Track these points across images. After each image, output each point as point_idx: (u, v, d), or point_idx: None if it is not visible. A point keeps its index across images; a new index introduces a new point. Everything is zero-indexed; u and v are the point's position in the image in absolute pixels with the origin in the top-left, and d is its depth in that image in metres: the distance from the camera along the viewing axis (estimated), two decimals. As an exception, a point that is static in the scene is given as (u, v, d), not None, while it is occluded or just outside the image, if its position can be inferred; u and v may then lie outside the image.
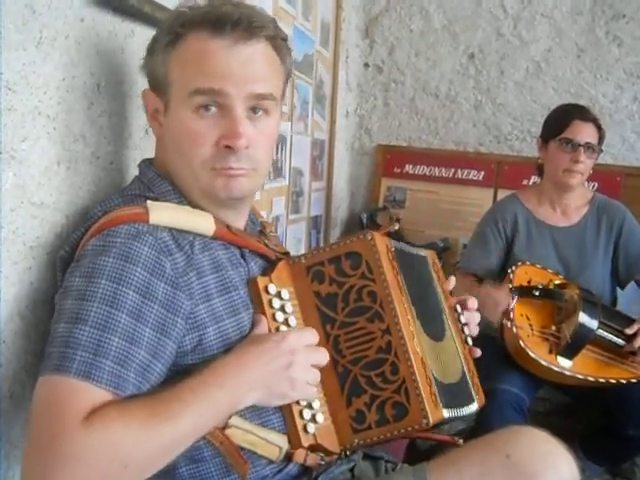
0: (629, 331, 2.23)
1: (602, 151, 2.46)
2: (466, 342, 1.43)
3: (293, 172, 2.57)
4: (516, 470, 1.12)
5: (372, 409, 1.16)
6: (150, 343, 0.96)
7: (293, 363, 1.05)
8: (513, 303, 2.20)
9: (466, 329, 1.43)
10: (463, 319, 1.44)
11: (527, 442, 1.17)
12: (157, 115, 1.12)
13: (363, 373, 1.16)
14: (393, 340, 1.16)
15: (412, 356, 1.16)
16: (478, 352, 1.43)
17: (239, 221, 1.20)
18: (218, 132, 1.06)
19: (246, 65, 1.07)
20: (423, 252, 1.45)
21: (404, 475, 1.14)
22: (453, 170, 3.23)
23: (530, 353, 2.14)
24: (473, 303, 1.47)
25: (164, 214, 1.05)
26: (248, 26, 1.07)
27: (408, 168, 3.29)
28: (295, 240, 2.71)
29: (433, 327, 1.32)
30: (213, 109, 1.06)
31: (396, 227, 1.37)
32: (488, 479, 1.12)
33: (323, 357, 1.11)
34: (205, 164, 1.07)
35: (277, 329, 1.12)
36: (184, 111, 1.06)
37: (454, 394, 1.28)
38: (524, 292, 2.26)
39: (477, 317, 1.47)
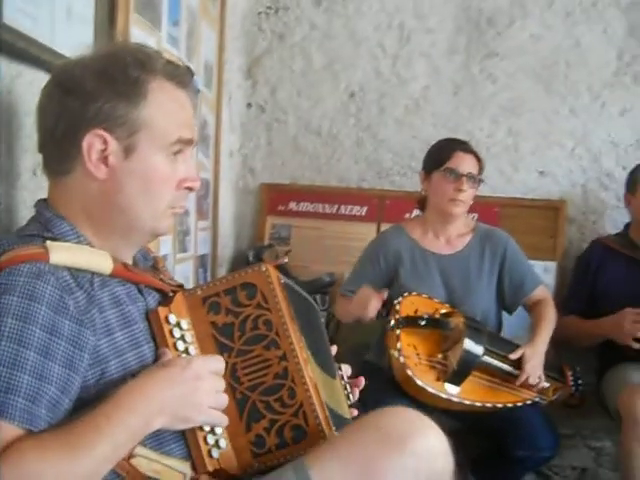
0: (513, 356, 2.44)
1: (482, 181, 2.70)
2: (348, 399, 1.56)
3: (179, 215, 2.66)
4: (386, 436, 1.23)
5: (271, 433, 1.26)
6: (59, 379, 1.04)
7: (198, 388, 1.13)
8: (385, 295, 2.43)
9: (349, 387, 1.58)
10: (346, 377, 1.59)
11: (398, 414, 1.31)
12: (106, 156, 1.20)
13: (261, 399, 1.27)
14: (289, 366, 1.28)
15: (308, 381, 1.29)
16: (355, 413, 1.55)
17: (130, 255, 1.32)
18: (179, 176, 1.22)
19: (194, 115, 1.28)
20: (309, 298, 1.57)
21: (284, 471, 1.21)
22: (337, 206, 3.41)
23: (418, 381, 2.31)
24: (360, 383, 1.62)
25: (64, 254, 1.14)
26: (193, 78, 1.28)
27: (292, 205, 3.44)
28: (183, 279, 2.79)
29: (324, 361, 1.46)
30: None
31: (286, 260, 1.52)
32: (362, 451, 1.22)
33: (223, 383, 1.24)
34: (169, 205, 1.23)
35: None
36: (158, 155, 1.19)
37: (345, 423, 1.40)
38: (411, 322, 2.45)
39: (359, 382, 1.62)
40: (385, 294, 2.49)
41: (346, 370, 1.61)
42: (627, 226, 2.99)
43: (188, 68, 1.32)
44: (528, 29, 3.31)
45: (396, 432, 1.25)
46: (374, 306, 2.45)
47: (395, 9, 3.38)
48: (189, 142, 1.25)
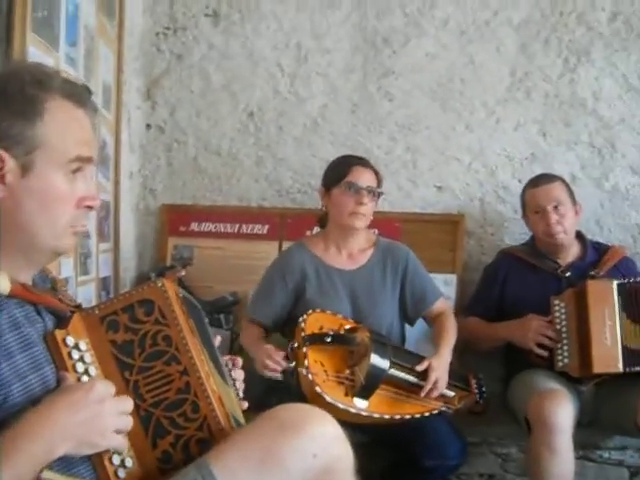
0: (419, 368, 2.53)
1: (382, 194, 2.80)
2: (238, 395, 1.63)
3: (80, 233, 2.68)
4: (283, 424, 1.29)
5: (178, 449, 1.29)
6: None
7: (102, 412, 1.15)
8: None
9: (237, 384, 1.65)
10: (233, 374, 1.65)
11: (292, 406, 1.37)
12: (3, 174, 1.23)
13: (165, 415, 1.30)
14: (191, 380, 1.32)
15: (211, 394, 1.33)
16: (245, 405, 1.62)
17: (30, 275, 1.33)
18: (78, 194, 1.24)
19: (95, 133, 1.31)
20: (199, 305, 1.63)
21: (187, 472, 1.23)
22: (238, 225, 3.47)
23: (327, 398, 2.35)
24: (239, 362, 1.70)
25: None
26: (91, 97, 1.31)
27: (194, 226, 3.48)
28: (86, 302, 2.78)
29: (220, 369, 1.51)
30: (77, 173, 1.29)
31: (183, 273, 1.56)
32: (261, 440, 1.27)
33: (131, 404, 1.26)
34: (68, 223, 1.24)
35: (78, 380, 1.21)
36: (56, 174, 1.22)
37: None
38: (317, 339, 2.51)
39: (242, 374, 1.70)
40: (283, 357, 2.54)
41: (237, 363, 1.68)
42: (533, 237, 3.12)
43: (86, 87, 1.35)
44: (423, 48, 3.44)
45: (292, 420, 1.31)
46: (277, 368, 2.51)
47: (292, 29, 3.48)
48: (88, 160, 1.28)
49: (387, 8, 3.46)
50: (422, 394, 2.51)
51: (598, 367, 2.56)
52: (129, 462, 1.22)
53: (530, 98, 3.30)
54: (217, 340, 1.65)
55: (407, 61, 3.40)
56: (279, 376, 2.52)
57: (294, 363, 2.48)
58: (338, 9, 3.48)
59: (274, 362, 2.51)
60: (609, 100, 3.32)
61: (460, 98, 3.31)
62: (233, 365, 1.66)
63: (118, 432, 1.17)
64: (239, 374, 1.68)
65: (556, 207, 2.82)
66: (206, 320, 1.62)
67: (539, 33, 3.38)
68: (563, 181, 2.90)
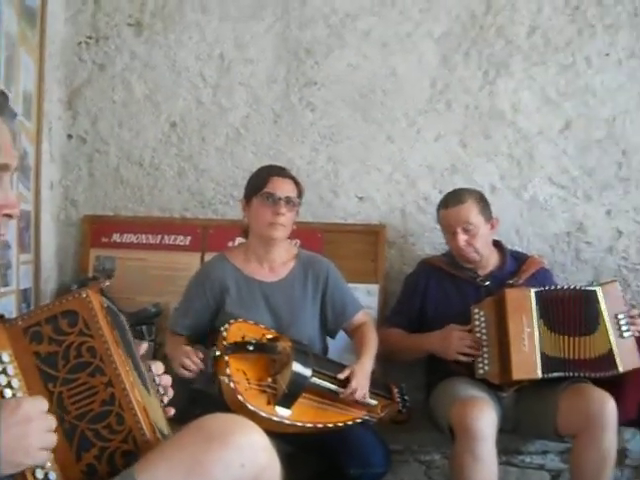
0: (341, 376, 2.62)
1: (300, 204, 2.90)
2: (162, 402, 1.66)
3: (-1, 244, 2.72)
4: (209, 434, 1.31)
5: (102, 461, 1.31)
6: None
7: (28, 432, 1.15)
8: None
9: (161, 389, 1.68)
10: (157, 380, 1.68)
11: (219, 416, 1.41)
12: None
13: (90, 427, 1.32)
14: (116, 392, 1.35)
15: (135, 405, 1.37)
16: (172, 412, 1.66)
17: None
18: None
19: (13, 140, 1.31)
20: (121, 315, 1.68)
21: None
22: (160, 236, 3.53)
23: (249, 406, 2.42)
24: (159, 368, 1.72)
25: None
26: (7, 102, 1.32)
27: (116, 237, 3.55)
28: (6, 314, 2.82)
29: (144, 379, 1.54)
30: None
31: (107, 283, 1.61)
32: (187, 450, 1.31)
33: (54, 421, 1.27)
34: None
35: (1, 393, 1.22)
36: None
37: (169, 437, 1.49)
38: (239, 348, 2.58)
39: (169, 379, 1.74)
40: (200, 354, 2.63)
41: (157, 368, 1.70)
42: None
43: (2, 92, 1.36)
44: (346, 59, 3.56)
45: (218, 431, 1.35)
46: (193, 367, 2.59)
47: (215, 39, 3.58)
48: (5, 167, 1.29)
49: (310, 19, 3.58)
50: (342, 396, 2.59)
51: (517, 373, 2.66)
52: (53, 476, 1.23)
53: (450, 109, 3.43)
54: (143, 348, 1.68)
55: (329, 72, 3.47)
56: (193, 375, 2.58)
57: (213, 369, 2.55)
58: (261, 20, 3.58)
59: (191, 362, 2.59)
60: (528, 112, 3.46)
61: (381, 109, 3.43)
62: (159, 374, 1.69)
63: (43, 449, 1.18)
64: (166, 379, 1.71)
65: (465, 228, 2.91)
66: (126, 325, 1.65)
67: (460, 46, 3.51)
68: (475, 199, 2.96)
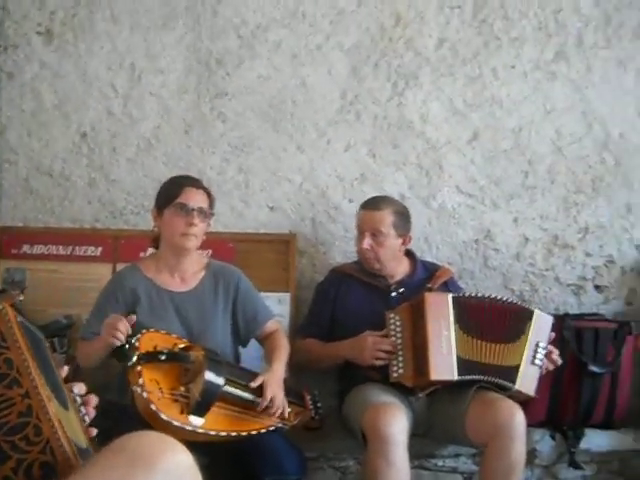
0: (254, 384, 2.67)
1: (213, 215, 2.97)
2: (84, 421, 1.69)
3: None
4: (135, 457, 1.29)
5: (20, 473, 1.31)
6: None
7: None
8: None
9: (82, 409, 1.70)
10: (79, 400, 1.71)
11: (143, 436, 1.42)
12: None
13: (6, 439, 1.33)
14: (33, 403, 1.37)
15: (53, 416, 1.39)
16: (94, 432, 1.69)
17: None
18: None
19: None
20: (39, 333, 1.70)
21: None
22: (71, 247, 3.57)
23: (163, 416, 2.45)
24: (81, 389, 1.74)
25: None
26: None
27: (26, 248, 3.58)
28: None
29: (59, 394, 1.56)
30: None
31: (21, 297, 1.63)
32: (113, 475, 1.30)
33: None
34: None
35: None
36: None
37: (87, 453, 1.51)
38: (151, 358, 2.61)
39: (93, 399, 1.76)
40: (134, 317, 2.65)
41: (80, 388, 1.73)
42: None
43: None
44: (256, 70, 3.66)
45: (144, 453, 1.35)
46: (123, 329, 2.59)
47: (126, 49, 3.65)
48: None
49: (221, 30, 3.67)
50: (259, 409, 2.64)
51: (435, 374, 2.75)
52: None
53: (360, 120, 3.54)
54: (64, 371, 1.70)
55: (240, 83, 3.57)
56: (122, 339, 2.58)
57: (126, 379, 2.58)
58: (172, 30, 3.66)
59: (122, 325, 2.59)
60: (436, 122, 3.59)
61: (292, 119, 3.52)
62: (86, 406, 1.70)
63: None
64: (90, 400, 1.73)
65: (374, 234, 3.02)
66: (46, 344, 1.68)
67: (369, 57, 3.63)
68: (393, 211, 3.06)
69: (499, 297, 3.07)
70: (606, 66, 3.80)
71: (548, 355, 2.99)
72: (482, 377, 2.91)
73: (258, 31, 3.52)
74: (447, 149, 3.58)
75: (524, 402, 2.94)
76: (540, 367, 2.96)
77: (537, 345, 2.90)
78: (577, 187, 3.77)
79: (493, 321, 2.89)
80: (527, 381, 2.88)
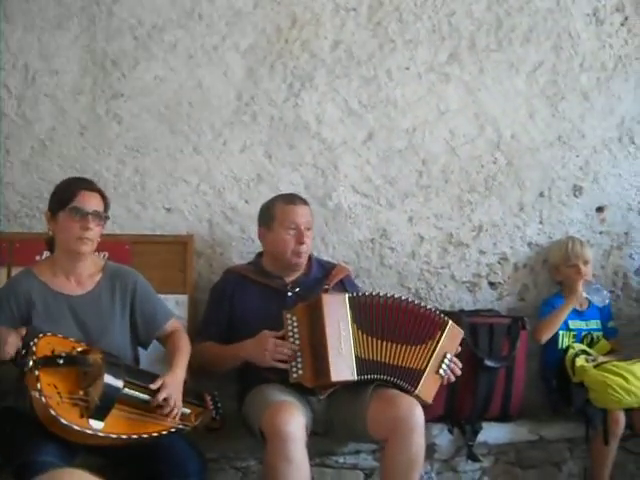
0: (154, 386, 2.73)
1: (108, 218, 3.04)
2: None
3: None
4: None
5: None
6: None
7: None
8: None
9: None
10: None
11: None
12: None
13: None
14: None
15: None
16: None
17: None
18: None
19: None
20: None
21: None
22: (-36, 252, 3.60)
23: (62, 420, 2.40)
24: None
25: None
26: None
27: None
28: None
29: None
30: None
31: None
32: None
33: None
34: None
35: None
36: None
37: None
38: (49, 362, 2.65)
39: None
40: (23, 331, 2.72)
41: None
42: (260, 255, 3.37)
43: None
44: (152, 71, 3.75)
45: None
46: (12, 343, 2.65)
47: (19, 50, 3.71)
48: None
49: (117, 31, 3.76)
50: (154, 404, 2.63)
51: (335, 375, 2.82)
52: None
53: (256, 121, 3.66)
54: None
55: (136, 84, 3.60)
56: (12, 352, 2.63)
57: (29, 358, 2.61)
58: (67, 30, 3.73)
59: (16, 334, 2.67)
60: (331, 123, 3.75)
61: (188, 121, 3.61)
62: None
63: None
64: None
65: (308, 229, 3.19)
66: None
67: (265, 59, 3.77)
68: None
69: (402, 297, 3.09)
70: (498, 69, 4.03)
71: (452, 368, 3.12)
72: (383, 377, 3.03)
73: (154, 32, 3.59)
74: (342, 149, 3.74)
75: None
76: (442, 377, 3.00)
77: (444, 356, 3.01)
78: (470, 186, 3.99)
79: (397, 321, 3.00)
80: (428, 388, 2.98)
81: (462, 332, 3.14)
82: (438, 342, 3.01)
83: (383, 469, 2.94)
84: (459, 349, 3.19)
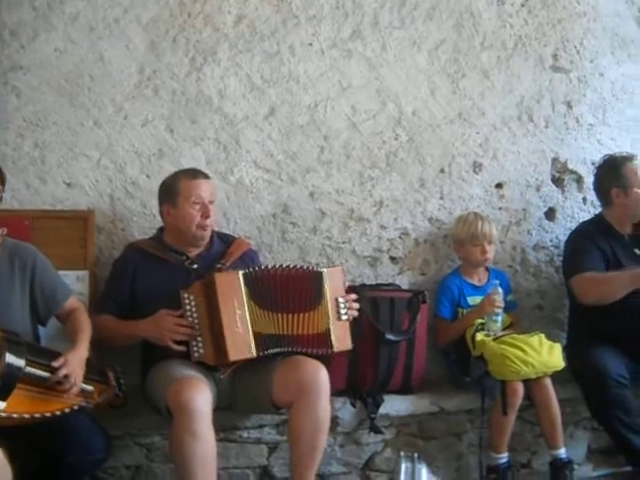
0: (56, 364, 2.73)
1: (4, 191, 3.21)
2: None
3: None
4: None
5: None
6: None
7: None
8: None
9: None
10: None
11: None
12: None
13: None
14: None
15: None
16: None
17: None
18: None
19: None
20: None
21: None
22: None
23: None
24: None
25: None
26: None
27: None
28: None
29: None
30: None
31: None
32: None
33: None
34: None
35: None
36: None
37: None
38: None
39: None
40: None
41: None
42: (161, 230, 3.52)
43: None
44: (52, 43, 3.90)
45: None
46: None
47: None
48: None
49: (15, 1, 3.89)
50: (51, 382, 2.71)
51: (233, 355, 3.01)
52: None
53: (158, 95, 3.82)
54: None
55: (35, 56, 3.65)
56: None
57: None
58: (-38, -1, 3.85)
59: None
60: (234, 98, 3.96)
61: (89, 94, 3.73)
62: None
63: None
64: None
65: (212, 202, 3.37)
66: None
67: (167, 32, 3.94)
68: None
69: (288, 265, 3.28)
70: (400, 46, 4.34)
71: (349, 306, 3.27)
72: (287, 349, 3.28)
73: (54, 3, 3.67)
74: (245, 124, 3.94)
75: (327, 363, 3.31)
76: (347, 317, 3.25)
77: (337, 301, 3.24)
78: (372, 162, 4.30)
79: (289, 292, 3.19)
80: (341, 338, 3.24)
81: (339, 268, 3.42)
82: (326, 295, 3.22)
83: (290, 433, 3.15)
84: (347, 284, 3.47)
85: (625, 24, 4.81)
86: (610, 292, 3.73)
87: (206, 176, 3.44)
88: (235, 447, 3.46)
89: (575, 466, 3.73)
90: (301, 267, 3.31)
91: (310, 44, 4.03)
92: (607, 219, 4.23)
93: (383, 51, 4.28)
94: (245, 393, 3.22)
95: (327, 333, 3.19)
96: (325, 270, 3.26)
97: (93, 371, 2.96)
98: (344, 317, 3.23)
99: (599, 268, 3.83)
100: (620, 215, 4.18)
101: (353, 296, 3.32)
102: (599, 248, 3.90)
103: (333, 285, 3.24)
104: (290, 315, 3.19)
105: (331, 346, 3.19)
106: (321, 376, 3.07)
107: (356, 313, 3.29)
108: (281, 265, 3.31)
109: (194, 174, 3.41)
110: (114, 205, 3.85)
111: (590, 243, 3.91)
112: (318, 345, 3.19)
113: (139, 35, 3.98)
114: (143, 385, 3.26)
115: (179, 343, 3.09)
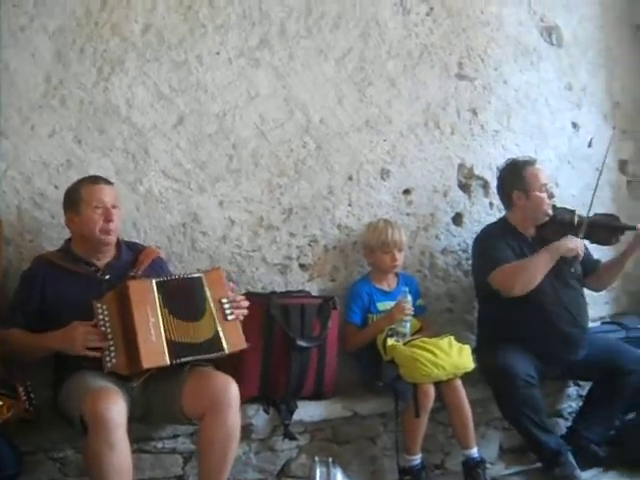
0: None
1: None
2: None
3: None
4: None
5: None
6: None
7: None
8: None
9: None
10: None
11: None
12: None
13: None
14: None
15: None
16: None
17: None
18: None
19: None
20: None
21: None
22: None
23: None
24: None
25: None
26: None
27: None
28: None
29: None
30: None
31: None
32: None
33: None
34: None
35: None
36: None
37: None
38: None
39: None
40: None
41: None
42: (68, 241, 3.53)
43: None
44: (-45, 52, 3.96)
45: None
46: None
47: None
48: None
49: None
50: None
51: (147, 362, 3.03)
52: None
53: (65, 105, 3.82)
54: None
55: None
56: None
57: None
58: None
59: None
60: (142, 108, 3.99)
61: (-5, 104, 3.87)
62: None
63: None
64: None
65: (114, 207, 3.43)
66: None
67: (74, 41, 3.96)
68: None
69: (183, 274, 3.39)
70: (307, 55, 4.52)
71: (236, 306, 3.32)
72: (196, 357, 3.34)
73: None
74: (153, 134, 3.99)
75: (239, 371, 3.47)
76: (235, 317, 3.28)
77: (220, 302, 3.28)
78: (280, 170, 4.46)
79: (187, 299, 3.27)
80: (232, 337, 3.25)
81: (219, 268, 3.53)
82: (208, 298, 3.29)
83: (200, 446, 3.19)
84: (230, 284, 3.57)
85: (528, 33, 5.06)
86: (532, 276, 3.93)
87: (108, 182, 3.49)
88: (150, 458, 3.49)
89: (488, 465, 3.90)
90: (183, 275, 3.42)
91: (218, 53, 4.13)
92: (511, 222, 4.47)
93: (290, 60, 4.44)
94: (158, 403, 3.27)
95: (216, 337, 3.24)
96: (202, 274, 3.36)
97: (2, 385, 2.98)
98: (230, 317, 3.28)
99: (512, 260, 4.01)
100: (522, 217, 4.42)
101: (239, 297, 3.40)
102: (508, 245, 4.10)
103: (212, 287, 3.31)
104: (191, 323, 3.25)
105: (223, 349, 3.22)
106: (231, 389, 3.14)
107: (245, 311, 3.35)
108: (185, 273, 3.54)
109: (95, 179, 3.47)
110: (22, 216, 3.77)
111: (498, 240, 4.13)
112: (211, 350, 3.24)
113: (45, 44, 4.02)
114: (56, 398, 3.27)
115: (95, 353, 3.11)
